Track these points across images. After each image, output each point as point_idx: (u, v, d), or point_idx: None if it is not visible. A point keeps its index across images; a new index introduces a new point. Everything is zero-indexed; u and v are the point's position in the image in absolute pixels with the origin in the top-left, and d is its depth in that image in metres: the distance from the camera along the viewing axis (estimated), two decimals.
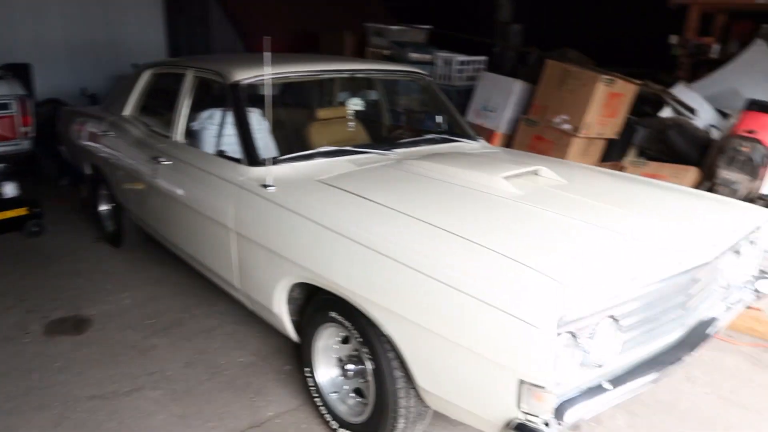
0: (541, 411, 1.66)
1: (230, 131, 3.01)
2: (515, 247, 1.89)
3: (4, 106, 5.60)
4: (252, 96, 3.07)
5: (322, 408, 2.50)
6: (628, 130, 4.77)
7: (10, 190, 4.65)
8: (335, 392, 2.48)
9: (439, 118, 3.70)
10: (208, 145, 3.26)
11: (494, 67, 5.74)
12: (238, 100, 2.95)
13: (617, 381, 1.88)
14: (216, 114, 3.34)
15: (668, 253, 2.03)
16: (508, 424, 1.73)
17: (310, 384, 2.53)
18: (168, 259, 4.04)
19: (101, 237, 4.61)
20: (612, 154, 4.73)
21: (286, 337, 2.67)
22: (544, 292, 1.69)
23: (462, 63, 5.55)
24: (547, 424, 1.66)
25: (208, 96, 3.55)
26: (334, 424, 2.43)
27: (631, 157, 4.60)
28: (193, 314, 3.50)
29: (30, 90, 6.13)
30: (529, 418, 1.68)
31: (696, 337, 2.20)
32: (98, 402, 2.68)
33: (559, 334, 1.62)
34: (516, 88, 4.85)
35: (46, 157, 6.08)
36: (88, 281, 3.92)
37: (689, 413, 2.65)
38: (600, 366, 1.83)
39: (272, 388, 2.80)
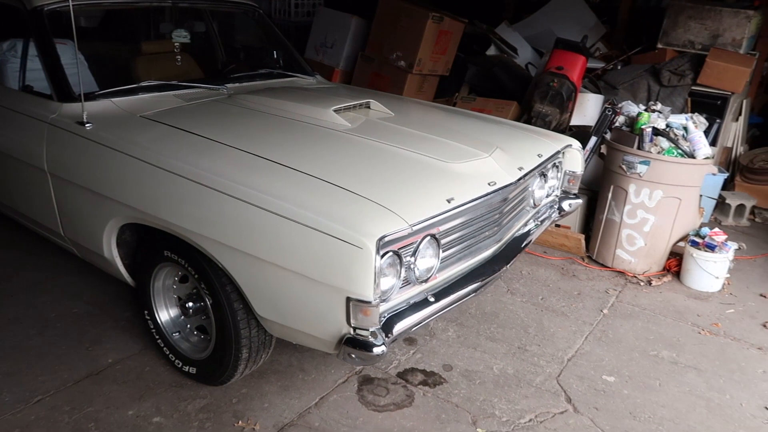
0: (368, 324, 1.80)
1: (37, 64, 2.71)
2: (339, 175, 1.98)
3: None
4: (61, 25, 2.78)
5: (165, 349, 2.47)
6: (459, 67, 5.05)
7: None
8: (178, 332, 2.46)
9: (274, 54, 3.64)
10: (12, 79, 2.91)
11: (336, 3, 5.68)
12: (42, 29, 2.66)
13: (441, 294, 2.09)
14: (18, 44, 2.98)
15: (481, 176, 2.25)
16: (341, 341, 1.86)
17: (151, 327, 2.48)
18: None
19: None
20: (447, 91, 5.00)
21: (124, 284, 2.56)
22: (366, 215, 1.80)
23: None
24: (374, 336, 1.81)
25: (8, 24, 3.14)
26: (179, 363, 2.43)
27: (463, 93, 4.91)
28: (16, 269, 3.21)
29: None
30: (359, 332, 1.82)
31: (511, 251, 2.49)
32: None
33: (382, 254, 1.74)
34: (353, 24, 4.87)
35: None
36: None
37: (509, 320, 3.02)
38: (424, 281, 2.02)
39: (111, 336, 2.70)
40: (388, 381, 2.49)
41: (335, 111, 2.58)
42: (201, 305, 2.29)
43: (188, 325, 2.45)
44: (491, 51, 5.06)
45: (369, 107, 2.81)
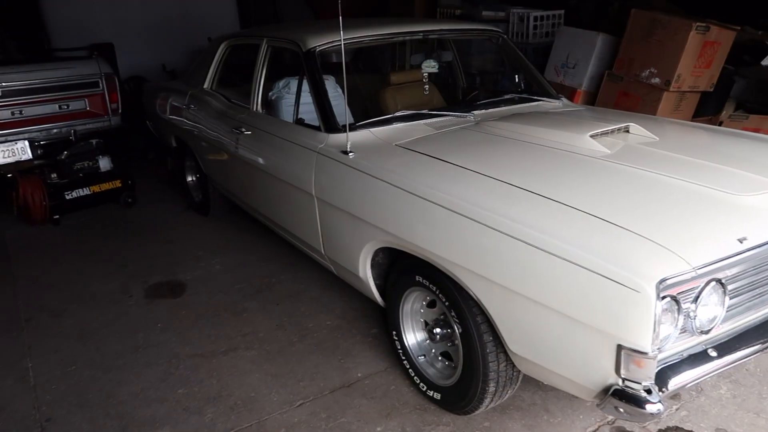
0: (641, 377, 1.60)
1: (307, 99, 3.03)
2: (609, 208, 1.81)
3: (93, 85, 5.89)
4: (326, 62, 3.07)
5: (410, 371, 2.53)
6: (724, 82, 4.42)
7: (105, 164, 4.94)
8: (423, 355, 2.51)
9: (517, 78, 3.58)
10: (286, 113, 3.31)
11: (572, 20, 5.45)
12: (314, 67, 2.97)
13: (723, 348, 1.80)
14: (292, 82, 3.37)
15: None
16: (606, 391, 1.68)
17: (398, 347, 2.57)
18: (253, 227, 4.18)
19: (189, 207, 4.83)
20: (707, 109, 4.41)
21: (371, 301, 2.71)
22: (644, 254, 1.61)
23: (537, 18, 5.31)
24: (648, 391, 1.61)
25: (283, 65, 3.59)
26: (423, 386, 2.46)
27: (729, 111, 4.28)
28: (280, 279, 3.62)
29: (115, 68, 6.41)
30: (629, 384, 1.63)
31: None
32: (198, 360, 2.84)
33: (660, 298, 1.54)
34: (598, 41, 4.59)
35: (133, 132, 6.39)
36: (179, 248, 4.13)
37: None
38: (704, 332, 1.75)
39: (360, 350, 2.86)
40: None
41: (591, 136, 2.41)
42: (448, 332, 2.30)
43: (433, 350, 2.48)
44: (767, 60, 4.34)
45: (628, 131, 2.58)
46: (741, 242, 1.73)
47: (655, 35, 4.10)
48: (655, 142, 2.44)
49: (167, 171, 5.55)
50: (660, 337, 1.58)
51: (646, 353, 1.56)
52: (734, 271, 1.75)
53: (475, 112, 3.00)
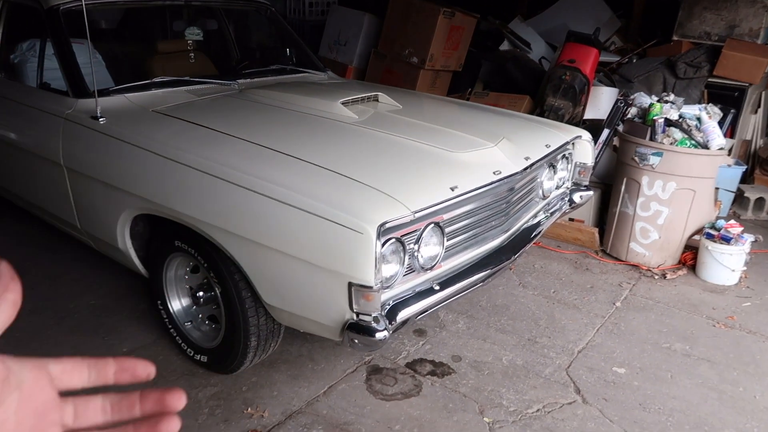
0: (370, 309, 1.81)
1: (55, 63, 2.79)
2: (343, 164, 2.01)
3: None
4: (78, 24, 2.85)
5: (177, 338, 2.52)
6: (475, 63, 5.04)
7: None
8: (189, 321, 2.51)
9: (288, 51, 3.68)
10: (31, 78, 3.00)
11: (351, 1, 5.72)
12: (58, 27, 2.73)
13: (446, 283, 2.10)
14: (38, 44, 3.06)
15: (486, 165, 2.26)
16: (344, 326, 1.88)
17: (164, 316, 2.53)
18: (1, 207, 3.72)
19: None
20: (460, 87, 5.00)
21: (141, 278, 2.62)
22: (369, 201, 1.82)
23: None
24: (377, 321, 1.83)
25: (28, 24, 3.23)
26: (191, 352, 2.47)
27: (477, 89, 4.90)
28: (35, 263, 3.29)
29: None
30: (362, 317, 1.84)
31: (519, 241, 2.49)
32: None
33: (383, 240, 1.76)
34: (366, 21, 4.90)
35: None
36: None
37: (520, 313, 3.02)
38: (428, 270, 2.03)
39: (126, 326, 2.76)
40: (397, 371, 2.50)
41: (343, 104, 2.61)
42: (211, 295, 2.33)
43: (200, 315, 2.50)
44: (504, 46, 5.05)
45: (377, 100, 2.84)
46: (452, 190, 2.04)
47: (411, 18, 4.52)
48: (399, 110, 2.73)
49: None
50: (384, 273, 1.81)
51: (371, 287, 1.77)
52: (450, 215, 2.06)
53: (240, 81, 3.03)
